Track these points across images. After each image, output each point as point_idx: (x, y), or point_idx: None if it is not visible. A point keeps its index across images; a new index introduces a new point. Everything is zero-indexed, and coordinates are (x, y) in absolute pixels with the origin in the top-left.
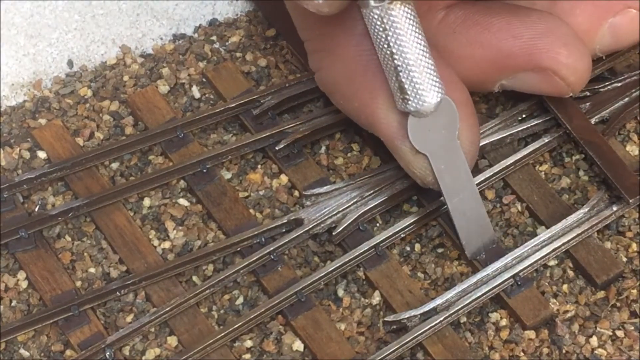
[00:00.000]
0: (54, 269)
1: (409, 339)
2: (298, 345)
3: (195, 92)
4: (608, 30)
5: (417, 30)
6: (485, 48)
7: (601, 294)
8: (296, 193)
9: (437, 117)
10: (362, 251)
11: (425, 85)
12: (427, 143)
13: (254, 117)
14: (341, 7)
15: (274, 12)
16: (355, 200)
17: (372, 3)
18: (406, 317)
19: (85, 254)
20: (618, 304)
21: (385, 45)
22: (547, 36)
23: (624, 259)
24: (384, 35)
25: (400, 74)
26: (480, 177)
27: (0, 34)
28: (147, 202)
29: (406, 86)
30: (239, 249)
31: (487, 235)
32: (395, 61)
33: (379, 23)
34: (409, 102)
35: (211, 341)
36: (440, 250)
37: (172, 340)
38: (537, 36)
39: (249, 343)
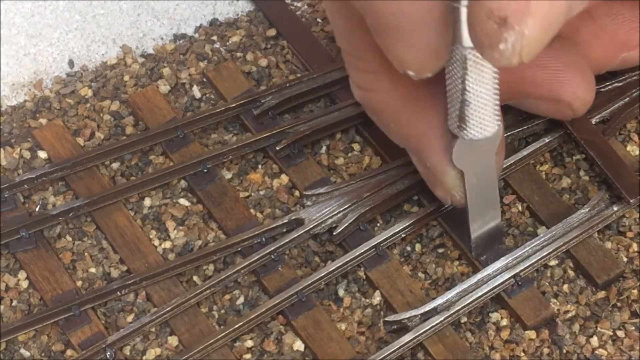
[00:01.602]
0: (54, 268)
1: (409, 339)
2: (299, 345)
3: (196, 92)
4: (619, 61)
5: (495, 72)
6: (507, 72)
7: (602, 294)
8: (297, 193)
9: (485, 139)
10: (362, 251)
11: (487, 120)
12: (467, 161)
13: (255, 117)
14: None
15: (274, 12)
16: (355, 200)
17: (464, 44)
18: (407, 317)
19: (86, 253)
20: (619, 304)
21: (459, 81)
22: (569, 69)
23: (625, 259)
24: (460, 73)
25: (466, 108)
26: None
27: (1, 33)
28: (147, 202)
29: (468, 119)
30: (239, 248)
31: (496, 239)
32: (465, 96)
33: (459, 61)
34: (466, 131)
35: (212, 341)
36: (440, 250)
37: (173, 340)
38: (560, 68)
39: (249, 343)
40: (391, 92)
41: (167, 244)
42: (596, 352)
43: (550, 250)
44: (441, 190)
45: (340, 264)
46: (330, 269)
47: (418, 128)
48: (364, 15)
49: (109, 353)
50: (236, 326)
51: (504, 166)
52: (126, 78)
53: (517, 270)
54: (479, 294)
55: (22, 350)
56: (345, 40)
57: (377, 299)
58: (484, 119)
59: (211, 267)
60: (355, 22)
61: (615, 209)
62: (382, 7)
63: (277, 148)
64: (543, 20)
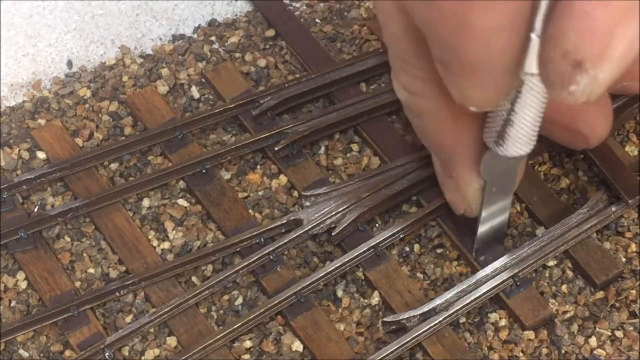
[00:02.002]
0: (53, 269)
1: (408, 340)
2: (297, 346)
3: (195, 92)
4: (619, 87)
5: (545, 98)
6: None
7: (600, 294)
8: (295, 193)
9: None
10: (361, 251)
11: (525, 140)
12: (493, 173)
13: (253, 118)
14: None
15: (273, 12)
16: (354, 200)
17: (524, 69)
18: (405, 317)
19: (85, 254)
20: (617, 305)
21: (509, 102)
22: (593, 103)
23: (623, 260)
24: (512, 95)
25: (509, 127)
26: None
27: (0, 34)
28: (146, 202)
29: (507, 137)
30: (238, 249)
31: (497, 240)
32: (511, 116)
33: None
34: (502, 148)
35: (210, 341)
36: (439, 250)
37: (172, 341)
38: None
39: (248, 343)
40: (440, 100)
41: (166, 245)
42: (595, 352)
43: (548, 251)
44: (459, 200)
45: (339, 264)
46: (329, 270)
47: (457, 139)
48: (434, 46)
49: (107, 354)
50: (235, 327)
51: None
52: (125, 78)
53: (516, 271)
54: (478, 294)
55: (21, 351)
56: (398, 46)
57: (375, 299)
58: (522, 139)
59: (210, 267)
60: (416, 32)
61: (613, 209)
62: (468, 50)
63: (276, 148)
64: (617, 64)
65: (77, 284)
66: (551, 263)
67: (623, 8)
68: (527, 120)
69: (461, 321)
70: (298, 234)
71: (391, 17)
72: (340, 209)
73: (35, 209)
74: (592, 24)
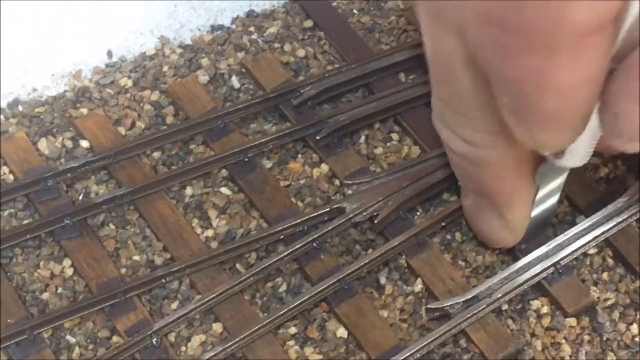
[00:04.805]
0: (98, 256)
1: (451, 326)
2: (342, 332)
3: (235, 82)
4: None
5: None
6: None
7: None
8: (337, 182)
9: None
10: (403, 239)
11: (582, 154)
12: (548, 179)
13: (294, 107)
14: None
15: (311, 3)
16: (395, 189)
17: None
18: (449, 304)
19: (130, 241)
20: None
21: None
22: None
23: None
24: None
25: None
26: None
27: (40, 24)
28: (189, 190)
29: (567, 151)
30: (281, 237)
31: (539, 230)
32: None
33: None
34: (562, 160)
35: (256, 328)
36: None
37: (217, 327)
38: None
39: (293, 330)
40: (503, 150)
41: (210, 232)
42: (636, 339)
43: (589, 239)
44: (506, 236)
45: (382, 252)
46: (372, 257)
47: (517, 183)
48: (507, 97)
49: (155, 339)
50: (280, 313)
51: None
52: (165, 68)
53: (557, 259)
54: (520, 281)
55: (68, 337)
56: (462, 101)
57: (418, 286)
58: (580, 153)
59: (254, 255)
60: (484, 85)
61: None
62: (549, 104)
63: (317, 137)
64: None
65: (123, 270)
66: (592, 251)
67: None
68: (586, 137)
69: (503, 308)
70: (341, 222)
71: (458, 73)
72: (381, 198)
73: (80, 197)
74: None
